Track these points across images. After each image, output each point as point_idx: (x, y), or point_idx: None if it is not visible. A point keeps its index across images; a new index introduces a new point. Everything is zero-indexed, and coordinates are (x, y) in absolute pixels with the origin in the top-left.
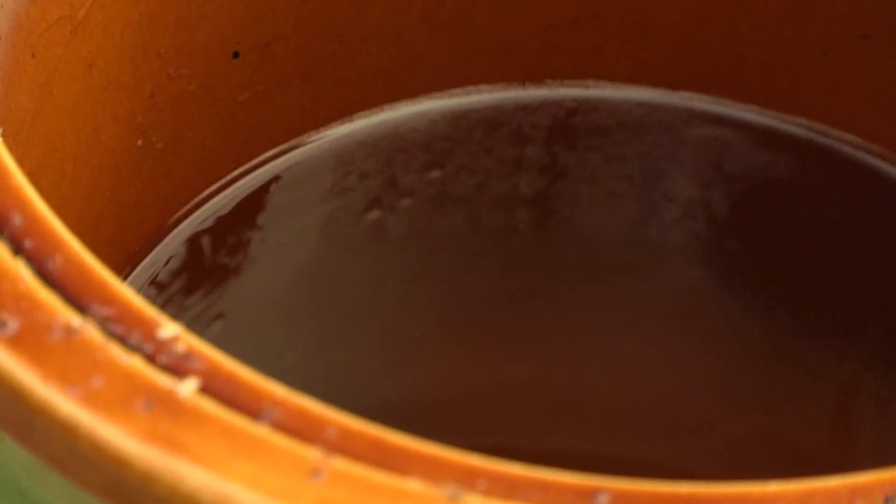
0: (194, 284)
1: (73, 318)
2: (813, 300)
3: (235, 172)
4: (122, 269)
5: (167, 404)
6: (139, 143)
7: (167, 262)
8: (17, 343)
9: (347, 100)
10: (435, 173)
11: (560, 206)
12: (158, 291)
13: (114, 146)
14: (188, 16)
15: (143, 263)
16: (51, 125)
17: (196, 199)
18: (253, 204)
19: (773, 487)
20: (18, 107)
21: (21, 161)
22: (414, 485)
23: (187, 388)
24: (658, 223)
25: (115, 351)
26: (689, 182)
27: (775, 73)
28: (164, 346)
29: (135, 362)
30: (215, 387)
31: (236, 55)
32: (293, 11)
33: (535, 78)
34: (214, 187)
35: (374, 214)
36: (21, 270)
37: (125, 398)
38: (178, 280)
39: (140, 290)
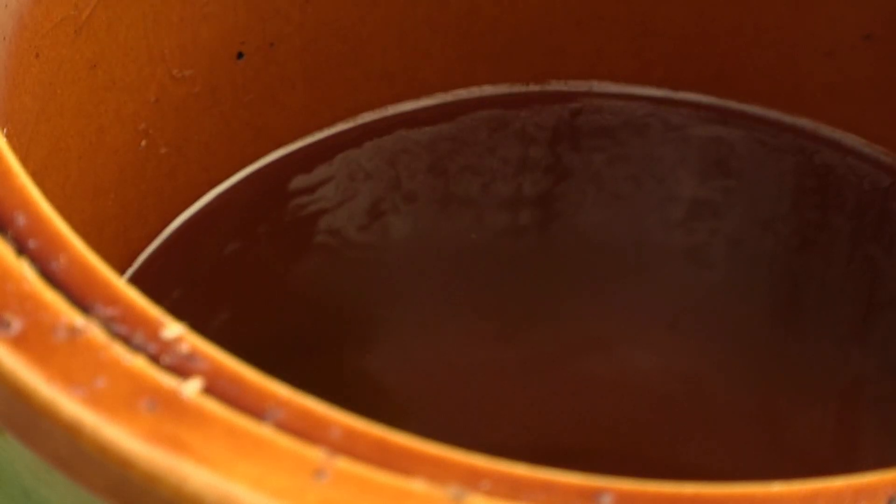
0: (197, 285)
1: (77, 319)
2: (817, 300)
3: (239, 174)
4: (126, 269)
5: (171, 405)
6: (143, 143)
7: (171, 263)
8: (21, 343)
9: (352, 100)
10: (439, 174)
11: (564, 207)
12: (162, 292)
13: (118, 147)
14: (192, 16)
15: (147, 264)
16: (55, 125)
17: (200, 200)
18: (256, 205)
19: (777, 488)
20: (22, 107)
21: (25, 161)
22: (418, 485)
23: (191, 388)
24: (662, 223)
25: (119, 351)
26: (693, 182)
27: (779, 74)
28: (167, 346)
29: (138, 362)
30: (219, 387)
31: (240, 56)
32: (297, 12)
33: (540, 78)
34: (218, 188)
35: (378, 214)
36: (25, 270)
37: (129, 398)
38: (181, 280)
39: (143, 290)
